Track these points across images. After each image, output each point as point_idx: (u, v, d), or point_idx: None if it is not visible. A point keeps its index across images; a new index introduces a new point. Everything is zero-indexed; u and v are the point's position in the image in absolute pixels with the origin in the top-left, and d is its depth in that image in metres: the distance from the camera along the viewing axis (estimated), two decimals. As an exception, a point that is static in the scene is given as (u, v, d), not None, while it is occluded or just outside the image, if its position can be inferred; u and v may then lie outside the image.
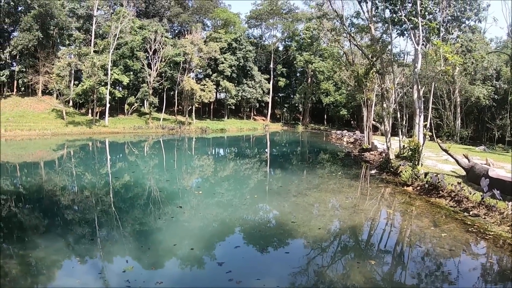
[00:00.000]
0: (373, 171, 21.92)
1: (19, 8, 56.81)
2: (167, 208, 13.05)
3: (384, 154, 25.70)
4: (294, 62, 70.71)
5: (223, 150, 39.01)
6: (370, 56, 27.68)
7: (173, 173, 22.25)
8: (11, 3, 55.23)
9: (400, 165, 19.50)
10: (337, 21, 34.61)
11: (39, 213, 13.28)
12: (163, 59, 54.28)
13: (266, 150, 39.50)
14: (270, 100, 72.49)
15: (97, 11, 58.13)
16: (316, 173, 22.29)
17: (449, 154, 17.52)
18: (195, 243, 9.60)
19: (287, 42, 78.31)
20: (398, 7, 21.37)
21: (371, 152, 30.60)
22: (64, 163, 26.69)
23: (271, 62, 73.11)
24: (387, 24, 23.17)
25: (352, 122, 74.54)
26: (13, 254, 8.84)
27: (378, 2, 23.95)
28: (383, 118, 25.44)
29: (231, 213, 12.93)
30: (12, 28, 58.14)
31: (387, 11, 23.12)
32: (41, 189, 17.50)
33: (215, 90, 62.18)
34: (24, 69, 55.68)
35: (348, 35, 30.64)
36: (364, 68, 30.85)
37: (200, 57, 57.39)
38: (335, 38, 40.75)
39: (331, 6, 31.85)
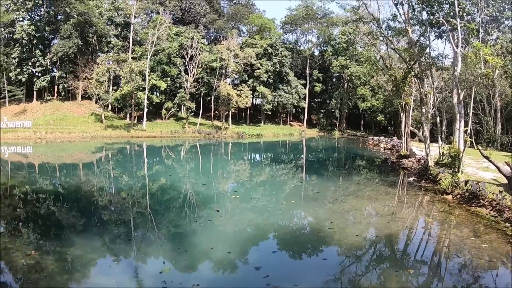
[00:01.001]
0: (411, 178, 21.04)
1: (59, 17, 59.54)
2: (203, 211, 12.93)
3: (422, 161, 24.85)
4: (330, 67, 69.87)
5: (259, 156, 38.60)
6: (407, 60, 27.03)
7: (209, 177, 22.11)
8: (51, 12, 58.07)
9: (439, 172, 18.73)
10: (374, 24, 34.02)
11: (76, 212, 13.38)
12: (200, 65, 55.19)
13: (302, 156, 39.02)
14: (306, 106, 71.75)
15: (134, 18, 60.07)
16: (353, 179, 21.46)
17: (490, 161, 16.68)
18: (232, 246, 9.45)
19: (322, 47, 77.50)
20: (435, 8, 20.67)
21: (409, 159, 29.62)
22: (102, 165, 27.09)
23: (307, 67, 72.51)
24: (424, 27, 22.54)
25: (388, 128, 72.76)
26: (50, 251, 8.87)
27: (415, 4, 23.39)
28: (421, 123, 24.72)
29: (267, 218, 12.73)
30: (52, 36, 60.86)
31: (424, 13, 22.50)
32: (79, 189, 17.68)
33: (252, 96, 62.55)
34: (64, 75, 58.14)
35: (385, 39, 30.03)
36: (402, 72, 30.12)
37: (236, 62, 57.97)
38: (371, 42, 40.00)
39: (367, 10, 31.36)
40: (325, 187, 18.90)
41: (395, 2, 26.99)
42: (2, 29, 57.08)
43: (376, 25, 32.40)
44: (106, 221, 12.19)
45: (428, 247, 10.17)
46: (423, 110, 24.98)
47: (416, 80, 27.38)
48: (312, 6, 73.49)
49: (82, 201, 15.52)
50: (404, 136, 35.14)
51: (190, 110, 56.52)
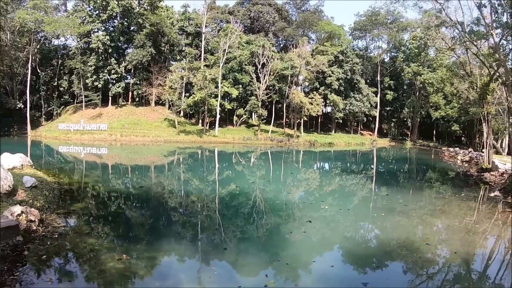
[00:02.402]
0: (494, 194, 19.26)
1: (132, 28, 61.47)
2: (295, 222, 12.61)
3: (506, 175, 22.29)
4: (402, 74, 66.65)
5: (336, 165, 36.51)
6: (491, 66, 24.42)
7: (292, 185, 21.33)
8: (125, 23, 59.92)
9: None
10: (456, 28, 31.60)
11: (158, 215, 13.43)
12: (272, 73, 54.40)
13: (380, 166, 36.67)
14: (377, 114, 68.91)
15: (205, 28, 60.64)
16: (440, 193, 19.99)
17: None
18: (334, 260, 9.31)
19: (393, 53, 74.46)
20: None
21: (491, 173, 26.70)
22: (174, 168, 27.31)
23: (378, 75, 69.73)
24: (508, 30, 20.17)
25: (462, 138, 68.20)
26: (140, 255, 8.75)
27: (498, 5, 21.20)
28: (509, 135, 22.01)
29: (362, 230, 12.37)
30: (126, 46, 63.02)
31: (505, 14, 20.32)
32: (157, 191, 17.73)
33: (323, 104, 60.80)
34: (138, 82, 59.82)
35: (468, 43, 27.79)
36: (485, 78, 27.49)
37: (308, 70, 56.60)
38: (449, 47, 37.49)
39: (445, 14, 29.28)
40: (414, 199, 17.82)
41: (478, 4, 24.73)
42: (79, 40, 59.74)
43: (461, 29, 30.09)
44: (193, 227, 11.87)
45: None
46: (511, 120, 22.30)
47: (504, 88, 24.73)
48: (380, 10, 70.95)
49: (163, 204, 15.37)
50: (486, 148, 31.99)
51: (262, 118, 55.63)
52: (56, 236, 9.33)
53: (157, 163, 31.81)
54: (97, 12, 58.94)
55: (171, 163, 30.95)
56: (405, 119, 69.10)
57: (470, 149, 49.17)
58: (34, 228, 9.39)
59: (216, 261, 8.75)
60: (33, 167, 16.69)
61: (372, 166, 35.44)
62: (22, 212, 9.29)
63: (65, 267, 7.94)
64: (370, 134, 71.58)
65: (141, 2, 60.74)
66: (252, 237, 10.86)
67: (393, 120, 72.25)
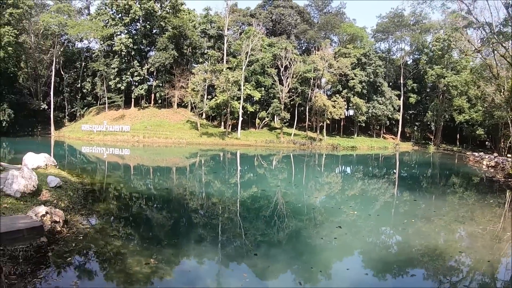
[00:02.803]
0: None
1: (154, 31, 61.94)
2: (325, 227, 12.21)
3: None
4: (425, 76, 65.46)
5: (360, 168, 35.90)
6: None
7: (319, 189, 20.93)
8: (147, 26, 60.37)
9: None
10: (481, 29, 30.92)
11: (185, 217, 13.15)
12: (295, 75, 54.04)
13: (407, 171, 35.89)
14: (400, 118, 67.81)
15: (227, 30, 60.67)
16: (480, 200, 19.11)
17: None
18: (368, 267, 8.90)
19: (415, 55, 73.27)
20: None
21: None
22: (197, 170, 27.26)
23: (401, 77, 68.65)
24: None
25: (486, 143, 66.72)
26: (167, 259, 8.45)
27: None
28: None
29: (394, 237, 12.05)
30: (148, 48, 63.54)
31: None
32: (182, 193, 17.57)
33: (345, 107, 60.19)
34: (160, 84, 60.13)
35: (495, 45, 27.05)
36: None
37: (331, 72, 56.06)
38: (475, 48, 36.79)
39: (473, 15, 28.67)
40: (455, 208, 17.06)
41: (506, 4, 24.07)
42: (102, 42, 60.38)
43: (488, 30, 29.47)
44: (220, 231, 11.53)
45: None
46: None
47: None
48: (403, 12, 70.10)
49: (187, 206, 15.09)
50: (512, 153, 30.98)
51: (284, 120, 55.30)
52: (81, 237, 9.12)
53: (180, 164, 31.84)
54: (120, 15, 59.60)
55: (194, 165, 30.92)
56: (428, 123, 67.90)
57: (495, 154, 48.08)
58: (59, 229, 9.23)
59: (247, 268, 8.44)
60: (57, 167, 16.64)
61: (396, 171, 34.75)
62: (46, 212, 9.15)
63: (91, 271, 7.72)
64: (392, 138, 70.48)
65: (163, 5, 61.20)
66: (282, 242, 10.53)
67: (416, 123, 71.01)
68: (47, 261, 7.67)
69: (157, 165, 30.65)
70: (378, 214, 14.90)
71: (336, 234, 11.08)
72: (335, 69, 55.34)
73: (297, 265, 8.78)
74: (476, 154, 52.03)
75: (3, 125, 52.08)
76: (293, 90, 56.24)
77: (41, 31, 63.27)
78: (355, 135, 64.85)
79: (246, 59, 52.59)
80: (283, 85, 53.56)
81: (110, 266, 7.95)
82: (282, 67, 53.40)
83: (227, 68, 54.03)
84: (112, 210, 12.91)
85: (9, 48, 48.67)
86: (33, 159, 15.43)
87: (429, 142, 68.91)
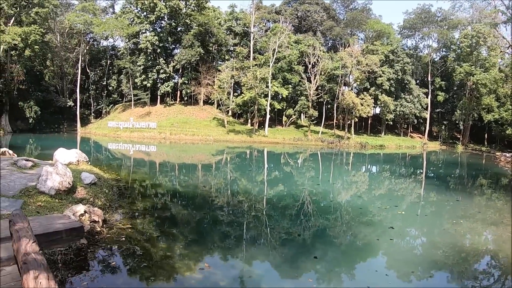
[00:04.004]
0: None
1: (179, 28, 61.94)
2: (377, 228, 11.69)
3: None
4: (453, 74, 63.97)
5: (393, 168, 34.77)
6: None
7: (359, 189, 20.24)
8: (173, 24, 60.39)
9: None
10: None
11: (229, 219, 12.28)
12: (323, 72, 53.32)
13: (442, 171, 34.97)
14: (428, 116, 66.38)
15: (253, 27, 60.29)
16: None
17: None
18: (431, 270, 8.42)
19: (443, 52, 71.73)
20: None
21: None
22: (222, 167, 26.74)
23: (428, 75, 67.26)
24: None
25: (515, 143, 65.04)
26: (223, 265, 7.96)
27: None
28: None
29: (447, 237, 11.11)
30: (174, 46, 63.59)
31: None
32: (221, 191, 17.01)
33: (373, 105, 59.17)
34: (186, 81, 60.07)
35: None
36: None
37: (359, 70, 55.14)
38: (510, 45, 35.40)
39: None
40: (501, 208, 16.42)
41: None
42: (128, 40, 60.63)
43: None
44: (272, 231, 10.88)
45: None
46: None
47: None
48: (430, 8, 68.77)
49: (233, 205, 14.46)
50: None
51: (312, 118, 54.59)
52: (123, 239, 8.51)
53: (212, 161, 31.53)
54: (145, 13, 59.74)
55: (219, 162, 30.55)
56: (457, 122, 66.33)
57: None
58: (98, 229, 8.62)
59: (310, 272, 7.92)
60: (89, 163, 16.15)
61: (429, 170, 33.80)
62: (85, 211, 8.56)
63: (138, 277, 7.08)
64: (419, 137, 68.97)
65: (188, 3, 61.18)
66: (340, 243, 10.16)
67: (444, 122, 69.40)
68: (89, 265, 7.17)
69: (188, 162, 30.47)
70: (425, 214, 14.34)
71: (390, 235, 10.73)
72: (363, 66, 54.34)
73: (360, 268, 8.42)
74: (508, 154, 50.64)
75: (30, 121, 52.83)
76: (319, 88, 55.46)
77: (67, 30, 63.99)
78: (382, 134, 63.68)
79: (273, 56, 52.12)
80: (310, 83, 52.81)
81: (159, 271, 7.31)
82: (310, 64, 52.71)
83: (255, 65, 53.53)
84: (151, 208, 12.27)
85: (36, 47, 49.12)
86: (65, 155, 14.93)
87: (457, 142, 67.29)
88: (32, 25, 49.47)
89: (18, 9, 50.54)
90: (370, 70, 55.73)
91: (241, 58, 54.73)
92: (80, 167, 14.38)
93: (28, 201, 8.84)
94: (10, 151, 16.37)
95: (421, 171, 33.10)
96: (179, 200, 14.73)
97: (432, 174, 31.14)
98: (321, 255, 8.82)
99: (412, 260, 9.07)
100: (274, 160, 35.07)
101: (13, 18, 50.11)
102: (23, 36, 46.78)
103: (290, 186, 19.61)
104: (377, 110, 66.55)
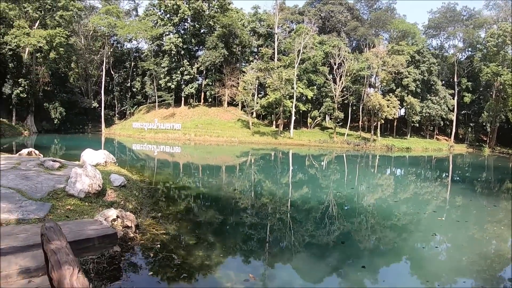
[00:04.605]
0: None
1: (202, 30, 62.12)
2: (419, 235, 11.09)
3: None
4: (480, 74, 62.47)
5: (424, 171, 33.37)
6: None
7: (394, 194, 19.24)
8: (196, 25, 60.55)
9: None
10: None
11: (267, 224, 11.55)
12: (348, 73, 52.71)
13: (477, 175, 33.88)
14: (454, 118, 65.04)
15: (277, 28, 60.09)
16: None
17: None
18: (485, 281, 7.82)
19: (469, 52, 70.22)
20: None
21: None
22: (246, 169, 26.24)
23: (455, 76, 65.93)
24: None
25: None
26: (269, 276, 7.33)
27: None
28: None
29: (493, 244, 10.56)
30: (197, 48, 63.78)
31: None
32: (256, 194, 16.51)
33: (399, 106, 58.20)
34: (210, 83, 60.19)
35: None
36: None
37: (385, 70, 54.31)
38: None
39: None
40: None
41: None
42: (151, 42, 61.06)
43: None
44: (317, 237, 10.38)
45: None
46: None
47: None
48: (455, 6, 67.52)
49: (272, 210, 13.59)
50: None
51: (337, 120, 54.01)
52: (158, 245, 7.93)
53: (240, 163, 30.99)
54: (168, 15, 60.08)
55: (244, 164, 30.02)
56: (484, 124, 64.80)
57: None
58: (131, 235, 8.02)
59: (362, 283, 7.50)
60: (117, 164, 15.75)
61: (460, 174, 32.95)
62: (117, 216, 7.94)
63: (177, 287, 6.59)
64: (445, 139, 67.56)
65: (211, 5, 61.35)
66: (385, 252, 9.61)
67: (471, 124, 67.86)
68: (123, 274, 6.62)
69: (216, 163, 30.08)
70: (465, 220, 13.72)
71: (435, 243, 10.27)
72: (389, 67, 53.48)
73: (413, 277, 7.95)
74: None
75: (55, 122, 53.71)
76: (344, 89, 54.85)
77: (91, 33, 64.88)
78: (408, 136, 62.54)
79: (298, 57, 51.77)
80: (336, 84, 52.25)
81: (200, 282, 6.83)
82: (335, 65, 52.15)
83: (280, 66, 53.24)
84: (184, 212, 11.65)
85: (61, 49, 49.74)
86: (92, 156, 14.54)
87: (483, 144, 65.67)
88: (57, 27, 50.08)
89: (42, 13, 51.38)
90: (396, 71, 54.88)
91: (266, 59, 54.41)
92: (107, 168, 14.06)
93: (56, 204, 8.35)
94: (36, 151, 16.14)
95: (453, 175, 32.31)
96: (212, 203, 14.20)
97: (464, 178, 30.22)
98: (368, 265, 8.29)
99: (461, 270, 8.62)
100: (314, 162, 34.53)
101: (38, 22, 50.97)
102: (48, 39, 47.45)
103: (338, 190, 19.25)
104: (402, 111, 65.54)
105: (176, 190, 16.04)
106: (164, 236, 8.58)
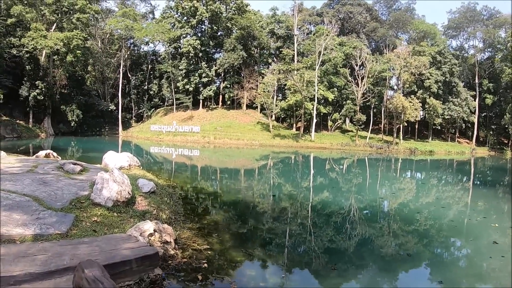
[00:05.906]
0: None
1: (219, 33, 61.70)
2: (478, 243, 10.31)
3: None
4: (501, 75, 60.89)
5: (454, 175, 32.15)
6: None
7: (436, 199, 17.96)
8: (214, 28, 60.15)
9: None
10: None
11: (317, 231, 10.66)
12: (370, 75, 51.72)
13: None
14: (476, 121, 63.61)
15: (296, 30, 59.44)
16: None
17: None
18: None
19: (488, 53, 68.73)
20: None
21: None
22: (266, 173, 25.46)
23: (476, 77, 64.59)
24: None
25: None
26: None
27: None
28: None
29: None
30: (214, 50, 63.37)
31: None
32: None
33: (421, 109, 56.96)
34: (229, 85, 59.65)
35: None
36: None
37: (407, 72, 53.18)
38: None
39: None
40: None
41: None
42: (169, 45, 60.75)
43: None
44: (366, 245, 9.59)
45: None
46: None
47: None
48: (475, 6, 66.29)
49: (317, 219, 12.45)
50: None
51: (359, 123, 53.00)
52: (205, 265, 6.71)
53: (248, 166, 29.86)
54: (186, 18, 59.76)
55: (263, 167, 29.05)
56: (506, 126, 63.21)
57: None
58: (171, 252, 6.71)
59: None
60: (141, 167, 14.64)
61: (491, 178, 31.50)
62: (154, 230, 6.62)
63: None
64: (467, 142, 66.03)
65: (228, 7, 60.96)
66: (452, 262, 8.88)
67: (492, 127, 66.26)
68: None
69: (225, 166, 29.15)
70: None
71: (500, 252, 9.27)
72: (413, 68, 52.25)
73: None
74: None
75: (72, 124, 53.67)
76: (366, 91, 53.84)
77: (107, 36, 64.87)
78: (430, 139, 61.24)
79: (319, 58, 50.96)
80: (358, 86, 51.28)
81: None
82: (357, 66, 51.29)
83: (302, 67, 52.44)
84: (222, 222, 10.40)
85: (78, 52, 49.54)
86: (115, 159, 13.45)
87: (504, 148, 63.99)
88: (74, 30, 49.96)
89: (59, 15, 51.35)
90: (417, 72, 53.75)
91: (287, 61, 53.66)
92: (132, 172, 12.84)
93: (80, 215, 7.08)
94: (54, 153, 15.40)
95: (485, 179, 31.17)
96: (252, 211, 12.80)
97: (500, 182, 28.91)
98: (444, 280, 7.34)
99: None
100: (336, 167, 33.60)
101: (55, 25, 50.93)
102: (66, 41, 47.35)
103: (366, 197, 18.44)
104: (421, 114, 64.21)
105: (208, 196, 14.91)
106: (209, 252, 7.46)
